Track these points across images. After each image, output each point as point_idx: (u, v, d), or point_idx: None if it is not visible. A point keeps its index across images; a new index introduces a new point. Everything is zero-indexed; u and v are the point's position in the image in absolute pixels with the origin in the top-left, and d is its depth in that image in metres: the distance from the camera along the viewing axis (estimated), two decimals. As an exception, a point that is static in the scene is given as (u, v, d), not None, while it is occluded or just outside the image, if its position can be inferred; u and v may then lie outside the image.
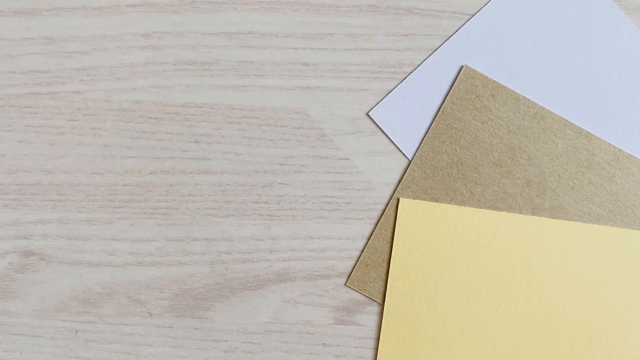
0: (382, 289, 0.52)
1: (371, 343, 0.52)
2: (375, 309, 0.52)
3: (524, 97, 0.52)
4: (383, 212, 0.52)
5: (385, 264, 0.52)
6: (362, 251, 0.52)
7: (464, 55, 0.53)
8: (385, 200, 0.52)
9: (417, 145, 0.52)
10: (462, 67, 0.52)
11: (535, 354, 0.51)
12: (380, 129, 0.52)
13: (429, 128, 0.52)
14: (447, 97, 0.52)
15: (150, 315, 0.52)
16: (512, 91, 0.52)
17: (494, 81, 0.52)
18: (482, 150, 0.52)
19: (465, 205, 0.52)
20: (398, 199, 0.52)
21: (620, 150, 0.52)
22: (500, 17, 0.53)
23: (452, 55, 0.53)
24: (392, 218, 0.52)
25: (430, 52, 0.53)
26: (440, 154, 0.52)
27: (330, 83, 0.53)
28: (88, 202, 0.52)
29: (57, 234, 0.52)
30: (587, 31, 0.53)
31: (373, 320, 0.52)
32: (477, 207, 0.52)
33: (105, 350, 0.52)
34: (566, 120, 0.52)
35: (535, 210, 0.52)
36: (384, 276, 0.52)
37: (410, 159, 0.52)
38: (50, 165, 0.52)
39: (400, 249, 0.52)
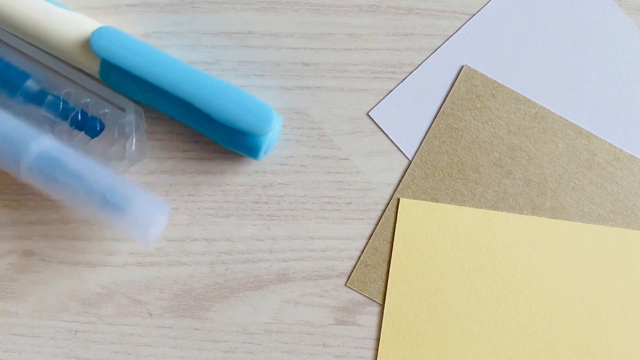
0: (382, 289, 0.52)
1: (371, 343, 0.52)
2: (375, 309, 0.52)
3: (524, 97, 0.52)
4: (383, 212, 0.52)
5: (385, 264, 0.52)
6: (362, 251, 0.52)
7: (464, 55, 0.52)
8: (385, 200, 0.52)
9: (417, 145, 0.52)
10: (462, 67, 0.52)
11: (536, 354, 0.51)
12: (381, 129, 0.52)
13: (429, 128, 0.52)
14: (448, 97, 0.52)
15: (150, 315, 0.52)
16: (513, 91, 0.52)
17: (494, 81, 0.52)
18: (482, 150, 0.52)
19: (465, 206, 0.52)
20: (398, 199, 0.52)
21: (620, 150, 0.52)
22: (500, 17, 0.53)
23: (452, 55, 0.53)
24: (392, 218, 0.52)
25: (430, 52, 0.53)
26: (441, 154, 0.52)
27: (330, 83, 0.53)
28: (88, 202, 0.52)
29: (57, 234, 0.52)
30: (587, 31, 0.53)
31: (373, 320, 0.52)
32: (478, 207, 0.52)
33: (105, 351, 0.52)
34: (567, 120, 0.52)
35: (535, 211, 0.52)
36: (384, 276, 0.52)
37: (410, 159, 0.52)
38: (51, 165, 0.52)
39: (400, 249, 0.51)
